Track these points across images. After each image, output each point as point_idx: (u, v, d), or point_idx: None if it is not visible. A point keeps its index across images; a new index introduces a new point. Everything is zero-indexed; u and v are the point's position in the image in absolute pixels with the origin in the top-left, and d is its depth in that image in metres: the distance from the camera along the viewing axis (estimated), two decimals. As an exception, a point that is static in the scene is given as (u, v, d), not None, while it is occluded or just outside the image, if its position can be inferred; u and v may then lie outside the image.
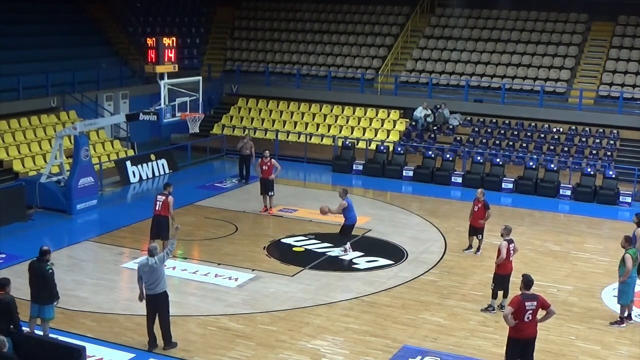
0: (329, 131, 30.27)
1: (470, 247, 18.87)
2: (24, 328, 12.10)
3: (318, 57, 34.23)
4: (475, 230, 18.57)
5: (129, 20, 33.74)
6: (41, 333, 12.73)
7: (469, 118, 29.81)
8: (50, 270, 12.69)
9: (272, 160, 21.86)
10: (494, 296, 15.10)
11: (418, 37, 33.74)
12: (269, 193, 21.80)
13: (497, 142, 28.31)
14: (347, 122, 30.64)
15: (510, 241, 14.91)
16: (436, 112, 29.48)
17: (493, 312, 14.93)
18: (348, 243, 18.52)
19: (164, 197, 17.71)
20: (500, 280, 14.97)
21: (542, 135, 28.44)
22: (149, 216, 20.91)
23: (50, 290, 12.73)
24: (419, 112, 29.38)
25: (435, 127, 29.50)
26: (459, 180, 25.96)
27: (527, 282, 11.56)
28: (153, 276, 12.74)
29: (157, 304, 12.93)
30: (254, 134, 30.03)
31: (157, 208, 17.73)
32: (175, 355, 12.88)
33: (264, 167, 21.74)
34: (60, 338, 12.63)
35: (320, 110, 31.45)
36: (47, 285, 12.67)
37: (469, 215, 18.74)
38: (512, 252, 14.93)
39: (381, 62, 32.94)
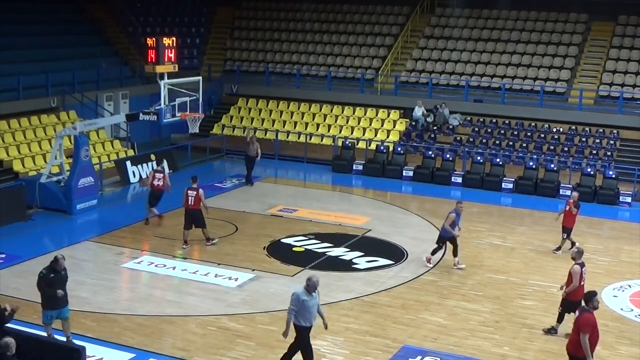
0: (329, 131, 30.26)
1: (559, 247, 18.94)
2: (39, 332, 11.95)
3: (318, 57, 34.23)
4: (564, 229, 18.76)
5: (129, 20, 33.73)
6: (63, 338, 12.60)
7: (469, 118, 29.81)
8: (41, 274, 12.49)
9: (166, 176, 20.28)
10: (560, 320, 14.18)
11: (418, 37, 33.74)
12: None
13: (497, 142, 28.31)
14: (347, 122, 30.64)
15: (582, 265, 13.80)
16: (436, 112, 29.48)
17: (555, 334, 14.17)
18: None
19: (194, 192, 18.23)
20: (570, 306, 13.72)
21: (542, 135, 28.43)
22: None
23: (44, 294, 12.49)
24: (418, 112, 29.39)
25: (435, 127, 29.50)
26: (459, 180, 25.95)
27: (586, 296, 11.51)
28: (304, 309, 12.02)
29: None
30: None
31: (190, 203, 18.21)
32: (175, 355, 12.88)
33: (155, 183, 20.21)
34: (61, 338, 12.63)
35: (320, 110, 31.44)
36: (40, 290, 12.51)
37: (559, 213, 18.94)
38: (584, 275, 13.80)
39: (381, 62, 32.93)
